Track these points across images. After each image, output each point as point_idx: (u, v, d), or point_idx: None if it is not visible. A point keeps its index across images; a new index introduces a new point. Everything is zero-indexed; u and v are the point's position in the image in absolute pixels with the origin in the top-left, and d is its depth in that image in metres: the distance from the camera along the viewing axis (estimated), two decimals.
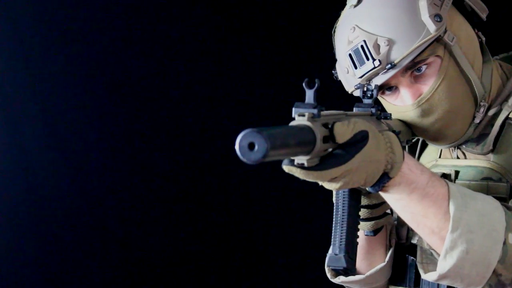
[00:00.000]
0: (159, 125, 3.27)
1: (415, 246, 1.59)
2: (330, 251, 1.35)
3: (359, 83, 1.50)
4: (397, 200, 1.32)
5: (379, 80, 1.50)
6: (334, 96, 1.71)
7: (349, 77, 1.56)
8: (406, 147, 1.66)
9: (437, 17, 1.48)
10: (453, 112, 1.52)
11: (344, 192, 1.36)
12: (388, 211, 1.50)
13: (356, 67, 1.51)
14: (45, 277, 3.27)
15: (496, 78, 1.59)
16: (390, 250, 1.62)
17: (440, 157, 1.65)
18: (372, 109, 1.39)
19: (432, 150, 1.68)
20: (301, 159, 1.15)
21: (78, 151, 3.25)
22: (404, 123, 1.56)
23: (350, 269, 1.34)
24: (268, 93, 3.23)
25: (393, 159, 1.27)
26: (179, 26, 3.25)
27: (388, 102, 1.57)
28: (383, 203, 1.44)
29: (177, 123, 3.27)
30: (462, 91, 1.53)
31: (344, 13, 1.59)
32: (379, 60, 1.48)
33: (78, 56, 3.23)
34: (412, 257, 1.62)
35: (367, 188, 1.30)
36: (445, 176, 1.58)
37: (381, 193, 1.32)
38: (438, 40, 1.49)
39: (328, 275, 1.62)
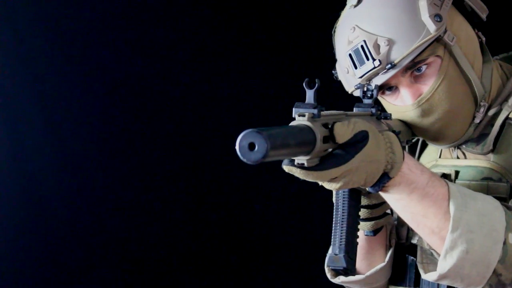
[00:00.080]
0: (159, 125, 3.27)
1: (415, 246, 1.59)
2: (330, 251, 1.35)
3: (359, 83, 1.50)
4: (397, 200, 1.32)
5: (379, 80, 1.50)
6: (334, 96, 1.71)
7: (349, 77, 1.56)
8: (406, 147, 1.67)
9: (437, 17, 1.48)
10: (453, 112, 1.52)
11: (344, 192, 1.36)
12: (388, 211, 1.50)
13: (356, 67, 1.51)
14: (45, 277, 3.27)
15: (496, 78, 1.59)
16: (390, 250, 1.62)
17: (440, 157, 1.65)
18: (372, 109, 1.39)
19: (432, 150, 1.68)
20: (301, 159, 1.16)
21: (78, 151, 3.25)
22: (404, 123, 1.56)
23: (350, 269, 1.34)
24: (268, 93, 3.23)
25: (393, 159, 1.27)
26: (179, 26, 3.25)
27: (388, 102, 1.57)
28: (383, 203, 1.44)
29: (177, 123, 3.27)
30: (462, 91, 1.53)
31: (344, 13, 1.59)
32: (379, 60, 1.48)
33: (78, 56, 3.23)
34: (412, 257, 1.62)
35: (367, 188, 1.30)
36: (445, 176, 1.58)
37: (381, 193, 1.32)
38: (438, 40, 1.49)
39: (328, 275, 1.62)
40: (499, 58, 1.67)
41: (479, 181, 1.54)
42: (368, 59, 1.49)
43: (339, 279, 1.61)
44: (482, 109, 1.55)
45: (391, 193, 1.31)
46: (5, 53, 3.17)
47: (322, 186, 1.25)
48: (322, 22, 1.87)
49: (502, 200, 1.46)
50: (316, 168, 1.17)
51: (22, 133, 3.21)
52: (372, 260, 1.61)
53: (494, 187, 1.52)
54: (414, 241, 1.59)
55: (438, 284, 1.54)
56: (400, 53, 1.47)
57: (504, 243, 1.31)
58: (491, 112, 1.56)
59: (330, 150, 1.20)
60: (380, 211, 1.46)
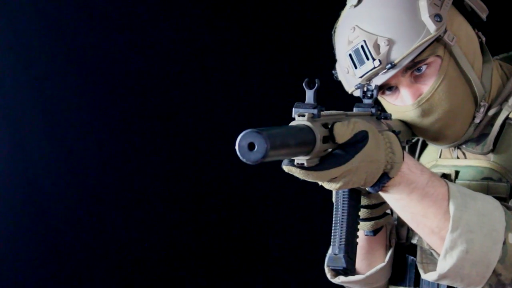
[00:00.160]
0: (159, 125, 3.27)
1: (415, 246, 1.59)
2: (329, 251, 1.35)
3: (359, 83, 1.50)
4: (397, 200, 1.32)
5: (379, 80, 1.50)
6: (334, 96, 1.70)
7: (349, 77, 1.56)
8: (406, 147, 1.67)
9: (437, 17, 1.48)
10: (453, 112, 1.52)
11: (344, 192, 1.36)
12: (388, 211, 1.50)
13: (356, 67, 1.51)
14: (45, 277, 3.27)
15: (496, 78, 1.59)
16: (390, 250, 1.62)
17: (440, 157, 1.65)
18: (372, 109, 1.39)
19: (432, 150, 1.68)
20: (301, 159, 1.16)
21: (78, 151, 3.25)
22: (404, 123, 1.56)
23: (349, 269, 1.34)
24: (268, 93, 3.23)
25: (393, 159, 1.27)
26: (179, 26, 3.25)
27: (388, 102, 1.57)
28: (383, 203, 1.44)
29: (177, 123, 3.27)
30: (462, 91, 1.53)
31: (344, 13, 1.59)
32: (379, 60, 1.48)
33: (78, 56, 3.23)
34: (412, 257, 1.62)
35: (367, 188, 1.30)
36: (445, 176, 1.58)
37: (381, 193, 1.32)
38: (438, 40, 1.49)
39: (328, 275, 1.62)
40: (499, 58, 1.67)
41: (479, 181, 1.54)
42: (368, 59, 1.49)
43: (339, 279, 1.61)
44: (482, 109, 1.55)
45: (391, 193, 1.31)
46: (5, 53, 3.17)
47: (322, 186, 1.25)
48: (322, 22, 1.87)
49: (502, 200, 1.46)
50: (316, 168, 1.17)
51: (22, 133, 3.21)
52: (372, 260, 1.62)
53: (494, 187, 1.52)
54: (414, 241, 1.59)
55: (438, 284, 1.54)
56: (400, 53, 1.47)
57: (504, 243, 1.31)
58: (491, 112, 1.56)
59: (330, 150, 1.20)
60: (380, 211, 1.46)
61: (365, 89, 1.40)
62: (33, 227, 3.24)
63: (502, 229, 1.31)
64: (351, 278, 1.59)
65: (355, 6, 1.55)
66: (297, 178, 1.19)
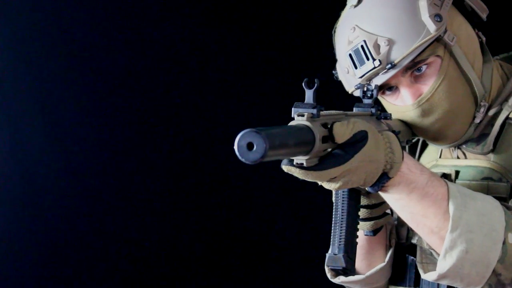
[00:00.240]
0: (159, 125, 3.27)
1: (415, 246, 1.59)
2: (329, 251, 1.35)
3: (359, 83, 1.50)
4: (396, 200, 1.32)
5: (379, 80, 1.50)
6: (333, 96, 1.70)
7: (349, 77, 1.56)
8: (407, 147, 1.67)
9: (437, 17, 1.48)
10: (453, 112, 1.52)
11: (343, 192, 1.36)
12: (388, 211, 1.50)
13: (356, 67, 1.51)
14: (45, 277, 3.26)
15: (497, 78, 1.59)
16: (390, 250, 1.62)
17: (440, 157, 1.65)
18: (372, 109, 1.39)
19: (432, 150, 1.68)
20: (300, 159, 1.16)
21: (78, 151, 3.25)
22: (404, 123, 1.56)
23: (349, 269, 1.34)
24: (268, 93, 3.23)
25: (393, 159, 1.27)
26: (179, 26, 3.25)
27: (389, 102, 1.57)
28: (383, 203, 1.44)
29: (177, 123, 3.27)
30: (462, 91, 1.52)
31: (344, 13, 1.59)
32: (379, 60, 1.48)
33: (78, 56, 3.23)
34: (412, 257, 1.62)
35: (366, 188, 1.30)
36: (445, 176, 1.58)
37: (380, 193, 1.32)
38: (438, 40, 1.49)
39: (328, 275, 1.62)
40: (500, 58, 1.67)
41: (479, 181, 1.54)
42: (368, 59, 1.49)
43: (339, 279, 1.61)
44: (482, 109, 1.55)
45: (390, 193, 1.31)
46: (6, 53, 3.17)
47: (321, 186, 1.25)
48: (322, 22, 1.87)
49: (502, 200, 1.46)
50: (315, 168, 1.17)
51: (22, 134, 3.21)
52: (372, 260, 1.62)
53: (494, 187, 1.52)
54: (414, 241, 1.59)
55: (438, 284, 1.54)
56: (400, 53, 1.47)
57: (504, 243, 1.31)
58: (491, 112, 1.56)
59: (329, 150, 1.20)
60: (380, 211, 1.46)
61: (365, 89, 1.40)
62: (33, 227, 3.24)
63: (501, 229, 1.31)
64: (351, 278, 1.59)
65: (355, 6, 1.55)
66: (296, 178, 1.19)
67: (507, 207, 1.37)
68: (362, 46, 1.50)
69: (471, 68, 1.53)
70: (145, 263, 3.29)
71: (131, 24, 3.24)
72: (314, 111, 1.16)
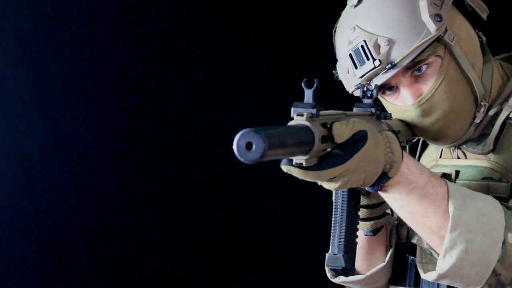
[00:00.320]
0: (159, 125, 3.27)
1: (415, 245, 1.59)
2: (329, 251, 1.35)
3: (359, 83, 1.50)
4: (396, 200, 1.32)
5: (379, 80, 1.50)
6: (333, 96, 1.71)
7: (349, 77, 1.56)
8: (407, 147, 1.66)
9: (437, 17, 1.47)
10: (454, 112, 1.52)
11: (343, 192, 1.36)
12: (388, 211, 1.50)
13: (356, 67, 1.51)
14: (45, 276, 3.27)
15: (497, 78, 1.59)
16: (390, 250, 1.62)
17: (440, 157, 1.65)
18: (372, 109, 1.39)
19: (432, 150, 1.68)
20: (299, 159, 1.15)
21: (78, 151, 3.25)
22: (405, 123, 1.55)
23: (349, 269, 1.34)
24: (268, 93, 3.23)
25: (392, 159, 1.27)
26: (179, 26, 3.25)
27: (389, 102, 1.57)
28: (383, 203, 1.44)
29: (177, 122, 3.27)
30: (462, 91, 1.52)
31: (345, 13, 1.59)
32: (379, 60, 1.48)
33: (78, 56, 3.23)
34: (412, 257, 1.62)
35: (366, 188, 1.30)
36: (445, 176, 1.57)
37: (380, 193, 1.32)
38: (438, 40, 1.49)
39: (328, 275, 1.62)
40: (500, 58, 1.67)
41: (480, 181, 1.54)
42: (368, 59, 1.49)
43: (339, 279, 1.61)
44: (482, 109, 1.54)
45: (390, 193, 1.31)
46: (6, 54, 3.17)
47: (321, 186, 1.25)
48: (322, 22, 1.87)
49: (502, 200, 1.46)
50: (315, 168, 1.17)
51: (22, 133, 3.21)
52: (372, 260, 1.61)
53: (494, 187, 1.52)
54: (414, 240, 1.59)
55: (438, 284, 1.54)
56: (400, 53, 1.47)
57: (504, 242, 1.31)
58: (492, 112, 1.56)
59: (328, 150, 1.20)
60: (380, 210, 1.46)
61: (365, 89, 1.40)
62: (33, 227, 3.24)
63: (501, 228, 1.31)
64: (351, 278, 1.59)
65: (355, 6, 1.55)
66: (296, 177, 1.19)
67: (507, 207, 1.36)
68: (362, 46, 1.50)
69: (471, 68, 1.53)
70: (145, 263, 3.29)
71: (131, 24, 3.24)
72: (314, 111, 1.15)
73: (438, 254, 1.32)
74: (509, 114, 1.54)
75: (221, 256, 3.29)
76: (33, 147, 3.22)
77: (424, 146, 1.71)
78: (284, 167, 1.17)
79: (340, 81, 1.63)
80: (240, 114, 3.23)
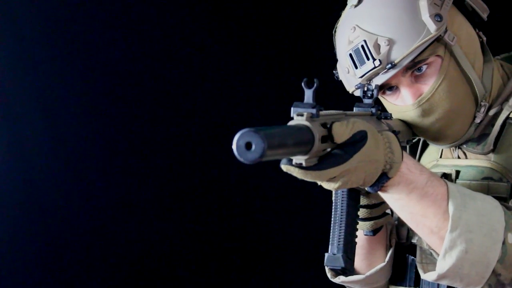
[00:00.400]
0: (159, 125, 3.27)
1: (415, 245, 1.59)
2: (328, 250, 1.35)
3: (360, 83, 1.50)
4: (396, 200, 1.32)
5: (379, 80, 1.50)
6: (334, 96, 1.70)
7: (349, 77, 1.56)
8: (407, 147, 1.66)
9: (437, 17, 1.47)
10: (454, 112, 1.52)
11: (343, 192, 1.36)
12: (388, 211, 1.50)
13: (356, 67, 1.51)
14: (45, 276, 3.27)
15: (497, 78, 1.59)
16: (390, 250, 1.62)
17: (441, 157, 1.65)
18: (372, 109, 1.39)
19: (433, 150, 1.68)
20: (299, 159, 1.15)
21: (78, 151, 3.25)
22: (405, 123, 1.55)
23: (348, 269, 1.34)
24: (268, 93, 3.23)
25: (392, 159, 1.27)
26: (179, 26, 3.25)
27: (389, 102, 1.57)
28: (383, 203, 1.44)
29: (177, 122, 3.27)
30: (462, 91, 1.52)
31: (345, 13, 1.59)
32: (379, 60, 1.48)
33: (79, 56, 3.23)
34: (412, 257, 1.62)
35: (366, 188, 1.30)
36: (445, 175, 1.57)
37: (380, 193, 1.32)
38: (438, 40, 1.49)
39: (328, 275, 1.62)
40: (500, 58, 1.67)
41: (480, 180, 1.54)
42: (368, 59, 1.49)
43: (339, 279, 1.61)
44: (482, 109, 1.54)
45: (390, 193, 1.31)
46: (6, 53, 3.17)
47: (321, 186, 1.25)
48: (322, 22, 1.87)
49: (503, 200, 1.46)
50: (315, 168, 1.17)
51: (22, 133, 3.21)
52: (372, 260, 1.61)
53: (494, 186, 1.52)
54: (414, 240, 1.59)
55: (438, 284, 1.54)
56: (401, 53, 1.47)
57: (503, 243, 1.31)
58: (492, 112, 1.55)
59: (328, 150, 1.20)
60: (380, 211, 1.46)
61: (365, 89, 1.40)
62: (33, 227, 3.24)
63: (501, 229, 1.31)
64: (351, 278, 1.59)
65: (356, 6, 1.55)
66: (296, 177, 1.19)
67: (507, 207, 1.36)
68: (362, 46, 1.50)
69: (472, 68, 1.53)
70: (145, 263, 3.29)
71: (131, 24, 3.24)
72: (314, 111, 1.15)
73: (438, 254, 1.32)
74: (509, 114, 1.54)
75: (221, 256, 3.29)
76: (33, 147, 3.22)
77: (425, 146, 1.70)
78: (284, 167, 1.17)
79: (340, 81, 1.63)
80: (240, 114, 3.23)
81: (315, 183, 1.23)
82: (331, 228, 1.35)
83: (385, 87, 1.54)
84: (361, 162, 1.21)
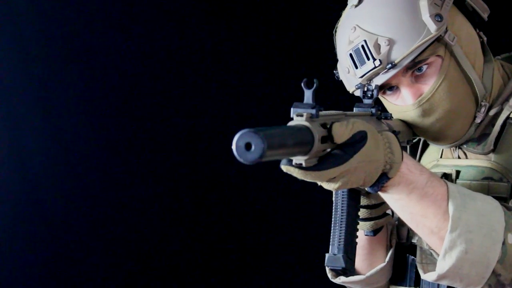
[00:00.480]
0: (158, 125, 3.27)
1: (415, 245, 1.59)
2: (329, 251, 1.35)
3: (360, 83, 1.50)
4: (396, 200, 1.32)
5: (379, 80, 1.50)
6: (334, 96, 1.70)
7: (350, 77, 1.56)
8: (408, 147, 1.66)
9: (437, 17, 1.47)
10: (454, 112, 1.52)
11: (343, 192, 1.36)
12: (389, 211, 1.50)
13: (356, 67, 1.51)
14: (45, 276, 3.27)
15: (498, 78, 1.59)
16: (391, 251, 1.62)
17: (441, 157, 1.65)
18: (372, 109, 1.39)
19: (433, 150, 1.68)
20: (299, 159, 1.15)
21: (78, 151, 3.25)
22: (405, 123, 1.55)
23: (348, 269, 1.34)
24: (268, 93, 3.22)
25: (392, 159, 1.27)
26: (179, 27, 3.25)
27: (389, 101, 1.57)
28: (383, 203, 1.44)
29: (177, 123, 3.27)
30: (463, 91, 1.52)
31: (345, 13, 1.59)
32: (379, 60, 1.48)
33: (79, 56, 3.23)
34: (412, 257, 1.62)
35: (366, 188, 1.30)
36: (446, 175, 1.57)
37: (380, 193, 1.32)
38: (439, 40, 1.49)
39: (329, 275, 1.62)
40: (501, 58, 1.66)
41: (480, 180, 1.54)
42: (368, 59, 1.49)
43: (340, 279, 1.61)
44: (483, 109, 1.54)
45: (390, 193, 1.31)
46: (5, 53, 3.17)
47: (321, 186, 1.25)
48: (323, 22, 1.87)
49: (503, 199, 1.46)
50: (314, 168, 1.17)
51: (22, 133, 3.21)
52: (373, 260, 1.61)
53: (494, 186, 1.52)
54: (414, 240, 1.59)
55: (438, 284, 1.54)
56: (401, 53, 1.47)
57: (503, 243, 1.31)
58: (492, 112, 1.55)
59: (328, 150, 1.20)
60: (380, 211, 1.46)
61: (365, 89, 1.40)
62: (33, 227, 3.24)
63: (501, 229, 1.31)
64: (351, 278, 1.59)
65: (356, 6, 1.55)
66: (296, 178, 1.19)
67: (507, 207, 1.36)
68: (362, 46, 1.50)
69: (472, 68, 1.53)
70: (145, 263, 3.29)
71: (131, 24, 3.24)
72: (313, 111, 1.15)
73: (438, 255, 1.32)
74: (509, 114, 1.54)
75: (221, 257, 3.29)
76: (33, 146, 3.22)
77: (425, 146, 1.70)
78: (284, 167, 1.17)
79: (341, 81, 1.63)
80: (240, 114, 3.23)
81: (315, 184, 1.23)
82: (332, 228, 1.35)
83: (386, 87, 1.54)
84: (361, 162, 1.21)
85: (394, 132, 1.37)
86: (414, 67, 1.50)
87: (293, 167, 1.16)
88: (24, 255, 3.25)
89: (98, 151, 3.26)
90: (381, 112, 1.43)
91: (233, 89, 3.25)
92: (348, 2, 1.59)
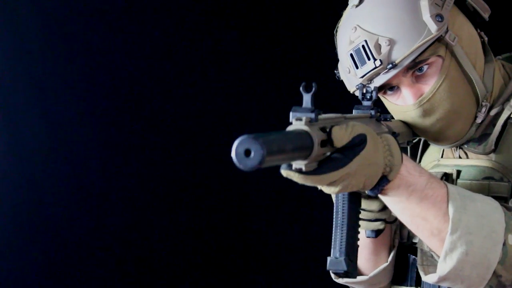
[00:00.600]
0: (159, 127, 3.26)
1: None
2: (331, 254, 1.35)
3: (360, 84, 1.50)
4: (396, 203, 1.32)
5: (380, 80, 1.50)
6: (334, 98, 1.70)
7: (350, 77, 1.56)
8: (408, 147, 1.66)
9: (438, 17, 1.47)
10: (455, 112, 1.52)
11: (343, 195, 1.36)
12: None
13: (357, 67, 1.51)
14: (45, 277, 3.27)
15: (498, 78, 1.59)
16: (393, 251, 1.62)
17: (442, 157, 1.65)
18: (371, 111, 1.39)
19: (434, 150, 1.67)
20: (299, 164, 1.15)
21: (79, 151, 3.25)
22: (405, 123, 1.55)
23: (350, 272, 1.34)
24: (267, 96, 3.21)
25: (392, 162, 1.27)
26: (179, 27, 3.24)
27: (390, 102, 1.57)
28: (384, 205, 1.44)
29: (177, 125, 3.26)
30: (463, 91, 1.52)
31: (346, 13, 1.59)
32: (380, 60, 1.48)
33: (79, 56, 3.22)
34: (413, 256, 1.62)
35: (366, 191, 1.30)
36: (447, 175, 1.57)
37: (380, 196, 1.32)
38: (439, 40, 1.48)
39: (332, 275, 1.62)
40: (502, 58, 1.66)
41: (481, 180, 1.54)
42: (369, 59, 1.49)
43: (343, 280, 1.61)
44: (483, 109, 1.54)
45: (390, 196, 1.31)
46: (5, 53, 3.17)
47: (321, 190, 1.25)
48: (323, 23, 1.86)
49: (503, 199, 1.46)
50: (314, 172, 1.17)
51: (22, 133, 3.21)
52: (377, 260, 1.62)
53: (495, 186, 1.52)
54: (415, 241, 1.59)
55: (439, 286, 1.54)
56: (401, 53, 1.47)
57: (504, 244, 1.31)
58: (493, 112, 1.55)
59: (328, 154, 1.20)
60: (382, 213, 1.46)
61: (364, 91, 1.40)
62: (33, 227, 3.24)
63: (501, 230, 1.31)
64: (354, 278, 1.59)
65: (357, 6, 1.55)
66: (295, 182, 1.19)
67: (507, 208, 1.36)
68: (363, 46, 1.49)
69: (473, 68, 1.52)
70: (145, 263, 3.29)
71: (131, 24, 3.23)
72: (312, 115, 1.15)
73: (438, 257, 1.32)
74: (510, 114, 1.54)
75: (221, 258, 3.28)
76: (33, 147, 3.22)
77: (426, 146, 1.70)
78: (284, 172, 1.17)
79: (341, 81, 1.63)
80: (240, 117, 3.22)
81: (316, 187, 1.24)
82: (333, 231, 1.35)
83: (386, 87, 1.54)
84: (361, 165, 1.21)
85: (393, 134, 1.38)
86: (415, 67, 1.50)
87: (293, 171, 1.16)
88: (24, 255, 3.25)
89: (98, 151, 3.26)
90: (381, 114, 1.42)
91: (233, 91, 3.24)
92: (348, 2, 1.59)
